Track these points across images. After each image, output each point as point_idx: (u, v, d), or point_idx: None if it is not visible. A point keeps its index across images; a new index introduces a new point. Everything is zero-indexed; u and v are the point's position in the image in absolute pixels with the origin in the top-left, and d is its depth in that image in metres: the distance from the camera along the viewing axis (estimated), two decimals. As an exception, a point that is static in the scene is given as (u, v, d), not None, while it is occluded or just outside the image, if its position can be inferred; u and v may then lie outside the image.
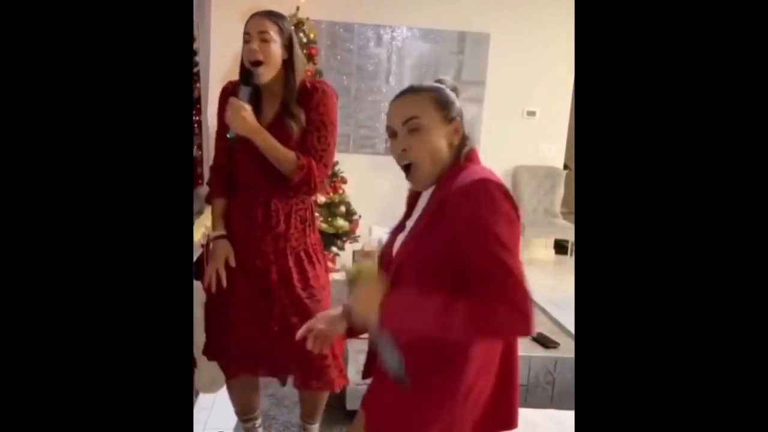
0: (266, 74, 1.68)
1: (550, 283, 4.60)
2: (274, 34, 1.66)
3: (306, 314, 1.65)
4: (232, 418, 2.33)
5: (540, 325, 2.61)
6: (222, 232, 1.78)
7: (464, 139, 1.20)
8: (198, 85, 3.19)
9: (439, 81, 1.25)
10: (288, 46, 1.70)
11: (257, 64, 1.65)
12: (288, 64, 1.71)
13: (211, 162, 3.69)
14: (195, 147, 3.12)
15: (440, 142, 1.16)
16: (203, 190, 3.14)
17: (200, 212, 2.64)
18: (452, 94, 1.21)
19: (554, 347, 2.37)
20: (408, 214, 1.27)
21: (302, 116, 1.71)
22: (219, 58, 4.33)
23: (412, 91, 1.21)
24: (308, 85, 1.74)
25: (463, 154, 1.19)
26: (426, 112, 1.17)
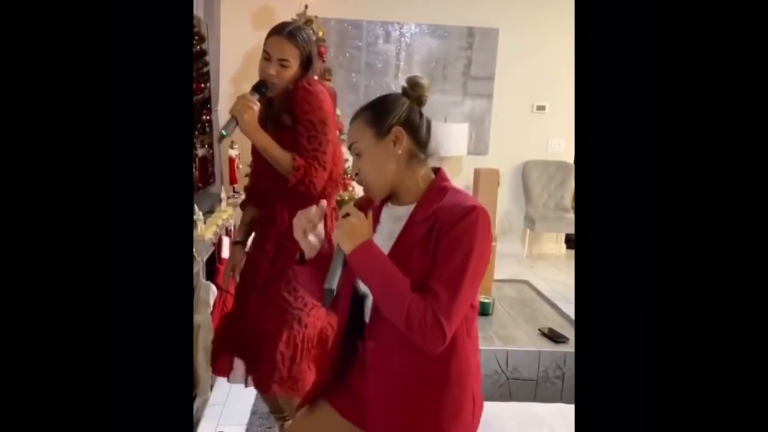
0: (276, 91, 1.69)
1: (561, 278, 4.60)
2: (293, 60, 1.64)
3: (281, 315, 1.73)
4: (244, 415, 2.38)
5: (549, 320, 2.62)
6: (237, 238, 1.87)
7: (420, 143, 1.20)
8: (208, 85, 3.21)
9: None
10: (304, 64, 1.68)
11: (270, 83, 1.67)
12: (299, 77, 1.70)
13: (222, 161, 3.73)
14: (206, 146, 3.15)
15: (381, 160, 1.18)
16: (215, 188, 3.19)
17: (212, 211, 2.68)
18: (396, 98, 1.21)
19: (564, 342, 2.38)
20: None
21: (286, 118, 1.70)
22: (229, 58, 4.37)
23: (355, 116, 1.22)
24: (291, 85, 1.70)
25: (430, 171, 1.22)
26: (362, 135, 1.19)
